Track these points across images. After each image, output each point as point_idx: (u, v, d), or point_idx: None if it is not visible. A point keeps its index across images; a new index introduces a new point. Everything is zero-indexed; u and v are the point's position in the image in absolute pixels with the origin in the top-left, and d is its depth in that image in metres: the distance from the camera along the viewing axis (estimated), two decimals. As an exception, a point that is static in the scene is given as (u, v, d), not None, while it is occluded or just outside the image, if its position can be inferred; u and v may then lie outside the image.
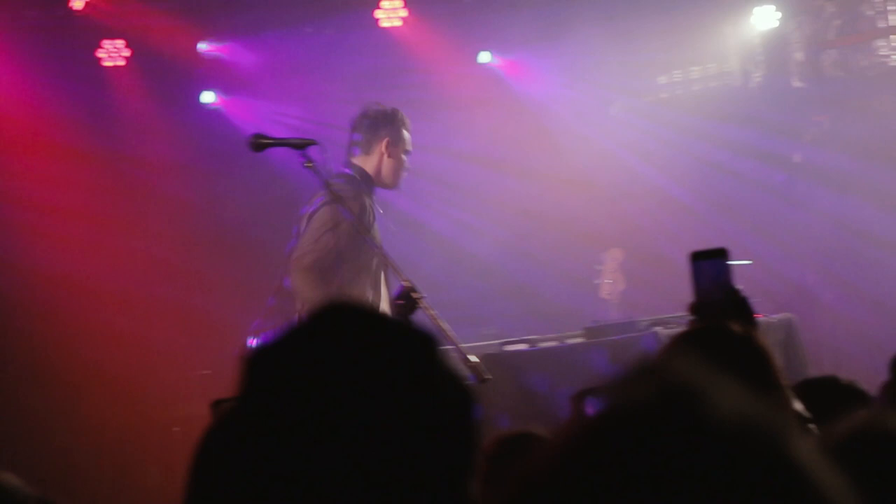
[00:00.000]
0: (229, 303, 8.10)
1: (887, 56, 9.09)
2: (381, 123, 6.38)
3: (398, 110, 6.46)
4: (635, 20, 9.02)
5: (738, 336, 3.10)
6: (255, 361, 1.54)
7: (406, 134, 6.39)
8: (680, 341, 3.25)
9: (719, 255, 2.84)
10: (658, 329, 6.49)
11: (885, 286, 8.50)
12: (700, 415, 1.11)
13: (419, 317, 5.53)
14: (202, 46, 9.14)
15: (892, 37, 9.08)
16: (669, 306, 7.34)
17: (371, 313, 1.56)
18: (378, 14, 9.18)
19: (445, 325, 5.54)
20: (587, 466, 1.11)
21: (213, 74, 9.23)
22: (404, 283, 5.62)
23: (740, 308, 2.83)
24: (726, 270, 2.82)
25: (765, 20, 9.20)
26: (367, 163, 6.37)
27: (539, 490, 1.13)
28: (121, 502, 8.28)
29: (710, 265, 2.83)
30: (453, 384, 1.54)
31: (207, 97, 9.29)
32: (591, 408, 3.34)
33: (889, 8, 9.02)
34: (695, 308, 2.84)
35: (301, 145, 5.83)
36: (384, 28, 9.21)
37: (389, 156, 6.35)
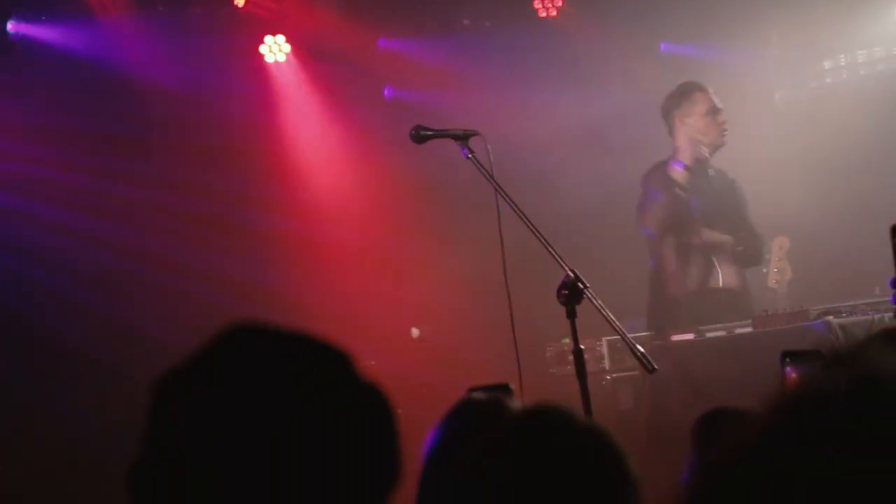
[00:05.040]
0: (399, 291, 8.18)
1: None
2: (667, 108, 7.54)
3: (682, 86, 7.55)
4: (798, 5, 8.86)
5: None
6: (165, 388, 1.51)
7: (694, 101, 7.44)
8: (880, 336, 3.17)
9: None
10: (829, 318, 6.37)
11: None
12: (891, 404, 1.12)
13: (584, 307, 5.49)
14: (373, 41, 9.27)
15: None
16: (839, 295, 7.22)
17: (273, 332, 1.53)
18: (536, 4, 9.21)
19: (611, 316, 5.49)
20: (783, 450, 1.13)
21: (375, 68, 9.32)
22: (569, 274, 5.57)
23: None
24: None
25: (934, 2, 8.96)
26: (677, 142, 7.46)
27: (740, 468, 1.15)
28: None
29: None
30: (364, 395, 1.51)
31: (379, 91, 9.40)
32: (792, 372, 3.25)
33: None
34: None
35: (463, 137, 5.84)
36: (542, 18, 9.24)
37: (684, 125, 7.40)
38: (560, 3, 9.23)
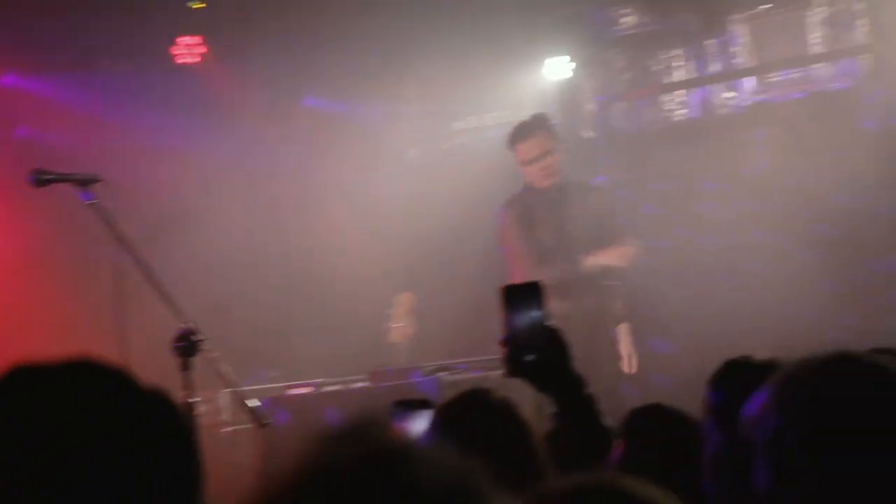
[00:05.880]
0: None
1: (672, 111, 9.38)
2: (508, 145, 7.59)
3: (518, 127, 7.62)
4: (433, 67, 9.14)
5: (498, 403, 3.15)
6: None
7: (522, 148, 7.47)
8: (442, 407, 3.29)
9: (532, 289, 2.87)
10: (440, 374, 6.56)
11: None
12: (404, 473, 1.15)
13: (199, 360, 5.45)
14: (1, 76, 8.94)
15: (676, 92, 9.36)
16: (461, 352, 7.44)
17: (51, 365, 1.55)
18: (175, 50, 9.10)
19: (226, 369, 5.47)
20: None
21: (6, 105, 9.00)
22: (184, 325, 5.51)
23: (552, 341, 2.86)
24: (539, 304, 2.85)
25: (558, 70, 9.40)
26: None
27: None
28: None
29: (521, 299, 2.85)
30: (153, 404, 1.54)
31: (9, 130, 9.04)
32: (397, 421, 3.32)
33: (674, 64, 9.31)
34: (506, 342, 2.87)
35: (85, 181, 5.71)
36: (182, 64, 9.14)
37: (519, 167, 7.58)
38: (202, 50, 9.16)
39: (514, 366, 2.87)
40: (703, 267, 8.71)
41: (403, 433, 1.25)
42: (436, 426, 3.20)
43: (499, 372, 6.54)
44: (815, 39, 8.73)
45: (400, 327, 7.54)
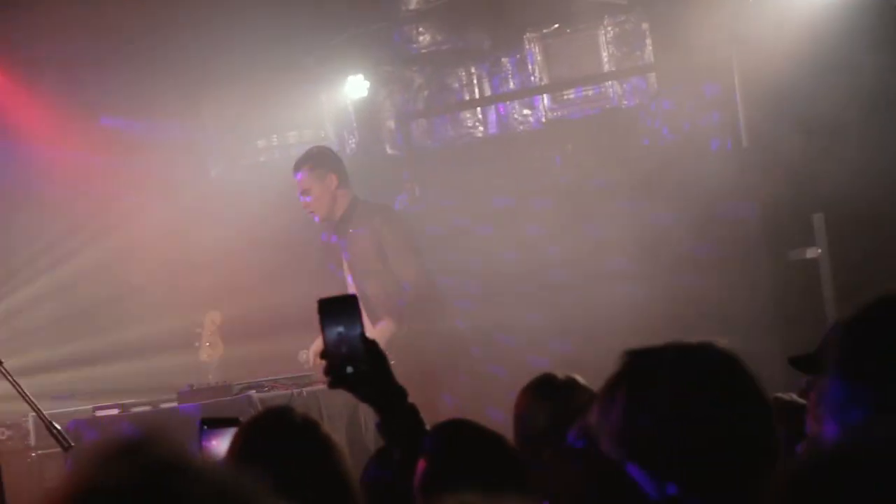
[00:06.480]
0: None
1: (473, 127, 9.55)
2: None
3: None
4: (233, 86, 9.17)
5: (300, 421, 3.23)
6: None
7: None
8: (244, 426, 3.35)
9: (345, 302, 2.92)
10: (252, 392, 6.59)
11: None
12: (178, 490, 1.20)
13: None
14: None
15: (477, 109, 9.53)
16: (270, 368, 7.47)
17: None
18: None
19: (26, 392, 5.43)
20: None
21: None
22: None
23: (370, 352, 2.93)
24: (354, 317, 2.90)
25: (358, 88, 9.48)
26: None
27: None
28: None
29: (336, 312, 2.90)
30: None
31: None
32: (206, 440, 3.35)
33: (473, 82, 9.49)
34: (324, 354, 2.92)
35: None
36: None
37: None
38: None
39: (336, 378, 2.93)
40: (500, 278, 8.86)
41: (181, 450, 1.25)
42: (238, 445, 3.23)
43: (309, 388, 6.64)
44: (606, 58, 9.03)
45: (209, 346, 7.55)
